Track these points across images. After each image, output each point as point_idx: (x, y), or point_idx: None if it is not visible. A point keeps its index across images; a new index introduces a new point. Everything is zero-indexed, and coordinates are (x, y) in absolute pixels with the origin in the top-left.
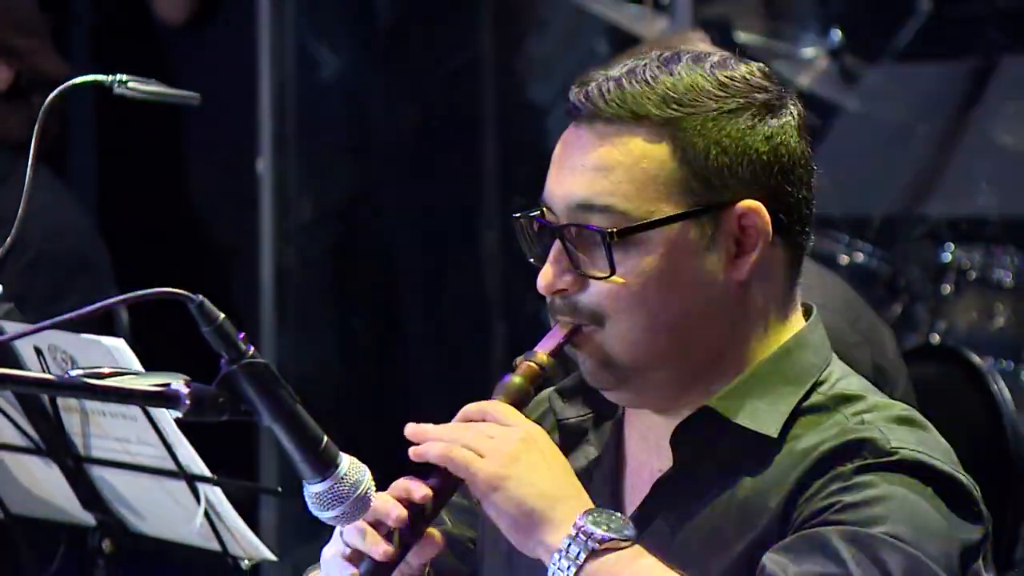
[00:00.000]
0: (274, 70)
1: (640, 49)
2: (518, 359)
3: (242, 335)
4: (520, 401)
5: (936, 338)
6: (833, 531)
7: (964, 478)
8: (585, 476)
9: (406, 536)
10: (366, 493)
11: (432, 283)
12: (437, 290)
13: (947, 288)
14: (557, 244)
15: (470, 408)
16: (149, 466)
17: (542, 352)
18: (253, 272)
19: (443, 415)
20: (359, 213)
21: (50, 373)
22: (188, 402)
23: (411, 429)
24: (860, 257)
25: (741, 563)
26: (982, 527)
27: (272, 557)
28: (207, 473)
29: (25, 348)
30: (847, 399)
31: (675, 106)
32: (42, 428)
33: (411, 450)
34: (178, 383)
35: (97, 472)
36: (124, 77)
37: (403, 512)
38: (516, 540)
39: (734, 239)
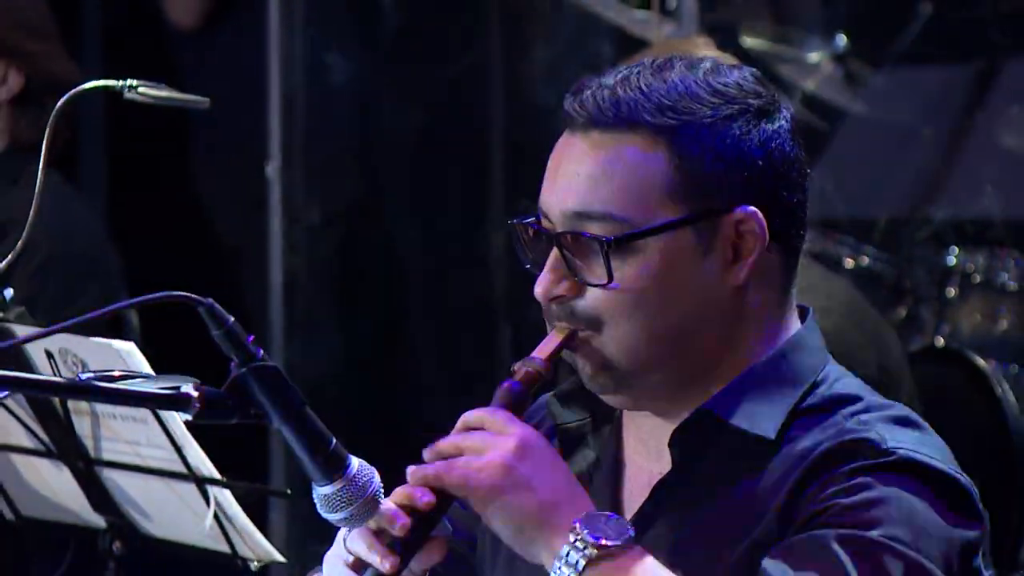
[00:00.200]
0: (283, 75)
1: (642, 55)
2: (516, 365)
3: (251, 338)
4: (518, 407)
5: (941, 341)
6: (832, 535)
7: (962, 477)
8: (585, 480)
9: (410, 544)
10: (375, 496)
11: (439, 286)
12: (444, 293)
13: (952, 291)
14: (554, 251)
15: (469, 416)
16: (159, 468)
17: (539, 357)
18: (262, 275)
19: (449, 418)
20: (367, 217)
21: (61, 376)
22: (198, 405)
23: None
24: (865, 260)
25: (741, 565)
26: (981, 526)
27: (281, 558)
28: (216, 475)
29: (36, 352)
30: (844, 400)
31: (670, 114)
32: (53, 431)
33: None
34: (188, 386)
35: (107, 474)
36: (134, 82)
37: (408, 520)
38: (519, 549)
39: (731, 245)
